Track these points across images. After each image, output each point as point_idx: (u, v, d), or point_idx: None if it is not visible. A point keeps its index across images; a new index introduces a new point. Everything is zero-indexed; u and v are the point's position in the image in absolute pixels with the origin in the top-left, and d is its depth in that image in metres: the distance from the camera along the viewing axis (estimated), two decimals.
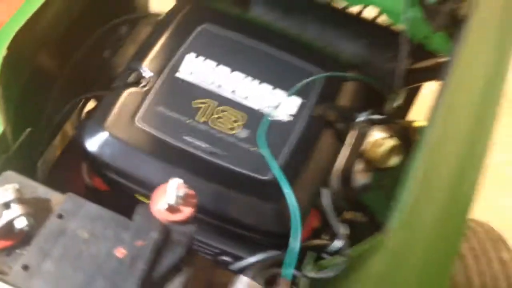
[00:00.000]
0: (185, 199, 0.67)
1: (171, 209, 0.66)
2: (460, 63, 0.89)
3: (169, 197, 0.66)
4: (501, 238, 1.48)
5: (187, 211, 0.67)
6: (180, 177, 0.71)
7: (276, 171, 0.79)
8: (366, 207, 0.98)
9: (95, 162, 0.85)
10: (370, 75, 1.04)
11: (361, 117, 0.96)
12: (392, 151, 0.97)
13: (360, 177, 0.95)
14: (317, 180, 0.87)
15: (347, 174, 0.93)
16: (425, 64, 1.12)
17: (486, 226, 1.49)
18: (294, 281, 0.71)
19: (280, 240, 0.78)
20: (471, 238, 1.45)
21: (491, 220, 1.50)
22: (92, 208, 0.68)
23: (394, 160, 0.97)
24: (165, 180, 0.71)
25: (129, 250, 0.64)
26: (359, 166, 0.95)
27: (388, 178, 0.95)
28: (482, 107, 0.99)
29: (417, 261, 0.81)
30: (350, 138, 0.96)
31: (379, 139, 0.97)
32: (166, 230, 0.65)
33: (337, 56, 1.01)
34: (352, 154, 0.94)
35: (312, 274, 0.70)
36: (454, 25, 0.97)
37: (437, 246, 0.84)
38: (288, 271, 0.69)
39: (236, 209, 0.81)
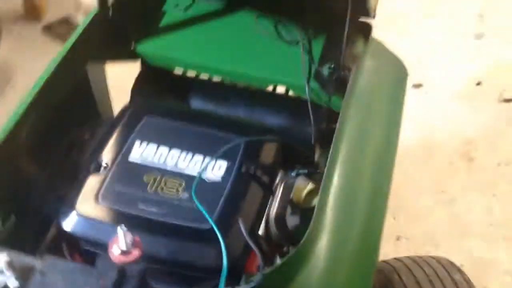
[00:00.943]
0: (133, 244, 0.88)
1: (124, 253, 0.87)
2: (347, 115, 1.15)
3: (121, 244, 0.87)
4: (452, 263, 1.63)
5: (135, 253, 0.88)
6: (140, 238, 0.93)
7: (210, 220, 1.01)
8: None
9: (70, 239, 1.07)
10: (294, 138, 1.28)
11: (290, 172, 1.20)
12: (312, 193, 1.20)
13: (292, 220, 1.17)
14: (250, 224, 1.09)
15: (281, 219, 1.15)
16: None
17: (437, 257, 1.66)
18: None
19: (218, 274, 0.98)
20: (425, 266, 1.61)
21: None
22: (64, 264, 0.90)
23: (315, 201, 1.19)
24: None
25: None
26: (289, 210, 1.18)
27: None
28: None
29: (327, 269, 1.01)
30: (279, 189, 1.19)
31: (301, 185, 1.20)
32: (122, 270, 0.86)
33: (256, 125, 1.26)
34: (283, 202, 1.17)
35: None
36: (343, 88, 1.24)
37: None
38: None
39: (187, 255, 1.02)
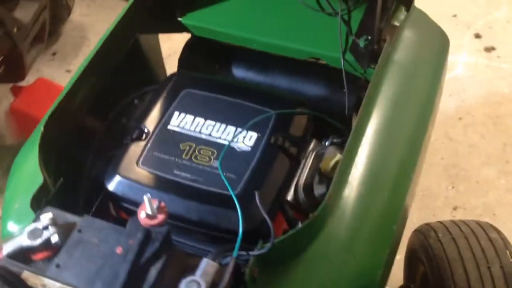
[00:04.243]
0: (159, 209, 0.97)
1: (149, 217, 0.96)
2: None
3: (147, 209, 0.96)
4: (491, 225, 1.63)
5: (160, 218, 0.97)
6: (171, 200, 1.02)
7: (229, 189, 1.08)
8: None
9: (114, 198, 1.17)
10: (331, 108, 1.32)
11: (324, 142, 1.25)
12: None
13: (319, 188, 1.22)
14: (276, 192, 1.15)
15: (309, 186, 1.21)
16: None
17: (478, 220, 1.66)
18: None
19: (246, 238, 1.05)
20: (462, 226, 1.63)
21: None
22: (100, 223, 1.00)
23: None
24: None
25: (124, 248, 0.95)
26: (317, 179, 1.23)
27: None
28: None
29: (344, 239, 1.05)
30: (310, 158, 1.24)
31: (331, 154, 1.24)
32: (148, 232, 0.95)
33: (291, 97, 1.30)
34: (312, 171, 1.22)
35: (252, 252, 0.97)
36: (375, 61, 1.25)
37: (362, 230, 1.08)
38: (235, 251, 0.96)
39: (213, 218, 1.10)
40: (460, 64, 2.74)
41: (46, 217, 0.99)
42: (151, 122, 1.25)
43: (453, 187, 2.36)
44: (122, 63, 1.37)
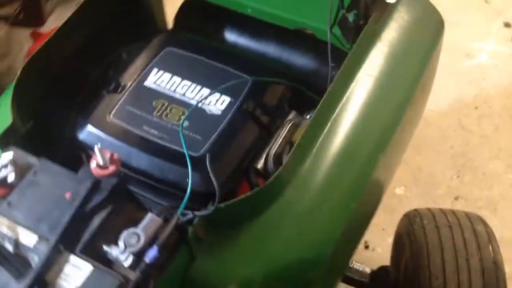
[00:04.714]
0: (111, 161, 0.99)
1: (100, 167, 0.98)
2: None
3: (99, 159, 0.98)
4: (480, 217, 1.61)
5: (111, 169, 0.98)
6: (136, 155, 1.04)
7: (184, 147, 1.09)
8: None
9: (83, 147, 1.20)
10: (318, 81, 1.31)
11: (306, 115, 1.24)
12: None
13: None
14: (240, 158, 1.15)
15: (279, 156, 1.20)
16: None
17: (468, 212, 1.64)
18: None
19: (203, 199, 1.06)
20: (450, 215, 1.61)
21: None
22: (56, 167, 1.02)
23: None
24: (126, 156, 1.05)
25: (73, 194, 0.97)
26: (287, 149, 1.22)
27: None
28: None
29: (298, 211, 1.05)
30: (285, 129, 1.24)
31: (304, 125, 1.23)
32: (96, 181, 0.97)
33: (268, 66, 1.29)
34: (285, 141, 1.21)
35: (197, 212, 0.98)
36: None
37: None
38: (180, 209, 0.97)
39: (175, 176, 1.11)
40: (485, 52, 2.65)
41: (7, 156, 1.02)
42: (129, 76, 1.26)
43: (458, 177, 2.32)
44: (119, 13, 1.36)
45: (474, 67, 2.59)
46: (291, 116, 1.27)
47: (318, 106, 1.10)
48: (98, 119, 1.19)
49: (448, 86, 2.57)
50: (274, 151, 1.20)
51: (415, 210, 1.69)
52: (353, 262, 1.76)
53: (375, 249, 2.14)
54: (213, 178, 1.04)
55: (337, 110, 1.15)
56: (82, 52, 1.31)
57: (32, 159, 1.05)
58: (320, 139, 1.11)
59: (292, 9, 1.35)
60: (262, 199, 1.02)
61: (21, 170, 1.02)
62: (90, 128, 1.18)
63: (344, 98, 1.16)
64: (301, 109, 1.28)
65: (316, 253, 1.05)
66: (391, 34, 1.26)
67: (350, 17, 1.26)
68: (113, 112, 1.20)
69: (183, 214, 0.99)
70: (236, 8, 1.42)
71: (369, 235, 2.18)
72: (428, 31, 1.33)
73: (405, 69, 1.25)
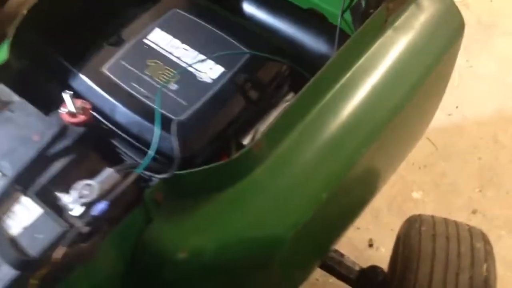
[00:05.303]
0: (82, 110, 0.99)
1: (70, 114, 0.99)
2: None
3: (68, 106, 0.98)
4: (484, 234, 1.53)
5: (81, 118, 0.99)
6: (120, 110, 1.04)
7: (157, 107, 1.08)
8: None
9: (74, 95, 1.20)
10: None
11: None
12: None
13: None
14: (221, 129, 1.13)
15: None
16: None
17: (473, 226, 1.57)
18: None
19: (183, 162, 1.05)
20: (451, 226, 1.55)
21: None
22: (31, 109, 1.03)
23: None
24: (110, 110, 1.05)
25: (40, 136, 0.98)
26: None
27: None
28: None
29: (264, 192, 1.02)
30: (278, 108, 1.21)
31: None
32: (64, 127, 0.98)
33: (273, 44, 1.25)
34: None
35: (156, 175, 0.97)
36: None
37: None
38: (139, 168, 0.97)
39: (152, 136, 1.10)
40: None
41: None
42: (130, 32, 1.25)
43: (480, 191, 2.22)
44: None
45: None
46: (288, 97, 1.24)
47: (305, 87, 1.06)
48: (91, 69, 1.19)
49: (490, 96, 2.46)
50: (262, 128, 1.18)
51: (419, 215, 1.64)
52: (345, 256, 1.73)
53: (379, 248, 2.09)
54: (175, 143, 1.02)
55: (326, 96, 1.10)
56: (89, 7, 1.30)
57: (15, 98, 1.07)
58: (303, 122, 1.08)
59: None
60: (227, 173, 1.00)
61: (1, 106, 1.04)
62: (81, 76, 1.19)
63: (335, 85, 1.12)
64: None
65: (275, 237, 1.02)
66: (400, 27, 1.19)
67: (363, 2, 1.20)
68: (107, 65, 1.19)
69: (143, 175, 0.98)
70: None
71: (376, 234, 2.14)
72: (444, 33, 1.25)
73: (407, 68, 1.19)
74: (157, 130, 1.04)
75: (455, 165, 2.29)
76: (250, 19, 1.42)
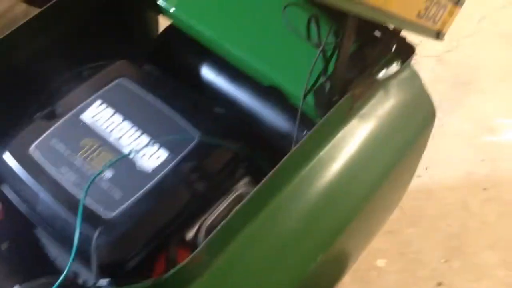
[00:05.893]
0: None
1: None
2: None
3: None
4: None
5: None
6: (44, 199, 0.89)
7: (81, 203, 0.94)
8: None
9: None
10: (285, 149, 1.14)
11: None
12: None
13: None
14: (160, 226, 1.00)
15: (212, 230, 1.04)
16: None
17: None
18: None
19: (110, 269, 0.91)
20: None
21: None
22: None
23: None
24: (33, 198, 0.91)
25: None
26: None
27: None
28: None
29: None
30: (229, 199, 1.08)
31: None
32: None
33: (227, 124, 1.13)
34: (226, 212, 1.05)
35: None
36: None
37: None
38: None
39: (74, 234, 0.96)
40: (510, 131, 2.44)
41: None
42: (67, 103, 1.11)
43: (446, 261, 2.12)
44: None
45: (493, 144, 2.38)
46: (241, 183, 1.11)
47: (262, 182, 0.94)
48: (19, 147, 1.05)
49: (460, 158, 2.38)
50: (209, 222, 1.05)
51: None
52: None
53: None
54: (93, 264, 0.89)
55: (282, 192, 0.98)
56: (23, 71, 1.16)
57: None
58: (256, 222, 0.95)
59: (271, 64, 1.18)
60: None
61: None
62: (7, 156, 1.04)
63: (295, 178, 1.00)
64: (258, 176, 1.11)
65: None
66: (366, 116, 1.08)
67: (327, 87, 1.09)
68: (36, 143, 1.05)
69: None
70: (217, 51, 1.26)
71: None
72: (413, 122, 1.15)
73: (372, 160, 1.08)
74: (77, 233, 0.90)
75: (422, 232, 2.19)
76: (208, 87, 1.30)
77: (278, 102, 1.21)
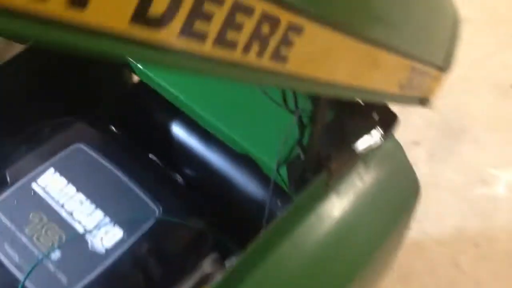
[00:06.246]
0: None
1: None
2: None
3: None
4: None
5: None
6: None
7: None
8: None
9: None
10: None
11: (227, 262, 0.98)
12: None
13: None
14: None
15: None
16: None
17: None
18: None
19: None
20: None
21: None
22: None
23: None
24: None
25: None
26: None
27: None
28: None
29: None
30: (191, 280, 0.98)
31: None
32: None
33: (190, 196, 1.04)
34: None
35: None
36: None
37: None
38: None
39: None
40: (503, 182, 2.35)
41: None
42: (20, 170, 1.02)
43: None
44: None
45: (486, 198, 2.29)
46: (205, 263, 1.01)
47: (230, 266, 0.84)
48: None
49: (451, 212, 2.28)
50: None
51: None
52: None
53: None
54: None
55: (253, 276, 0.88)
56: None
57: None
58: None
59: (243, 131, 1.09)
60: None
61: None
62: None
63: (267, 263, 0.90)
64: (226, 253, 1.02)
65: None
66: (343, 193, 0.99)
67: (301, 162, 1.00)
68: None
69: None
70: (187, 112, 1.17)
71: None
72: (395, 200, 1.06)
73: (352, 244, 0.98)
74: None
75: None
76: (179, 147, 1.21)
77: (251, 170, 1.12)
